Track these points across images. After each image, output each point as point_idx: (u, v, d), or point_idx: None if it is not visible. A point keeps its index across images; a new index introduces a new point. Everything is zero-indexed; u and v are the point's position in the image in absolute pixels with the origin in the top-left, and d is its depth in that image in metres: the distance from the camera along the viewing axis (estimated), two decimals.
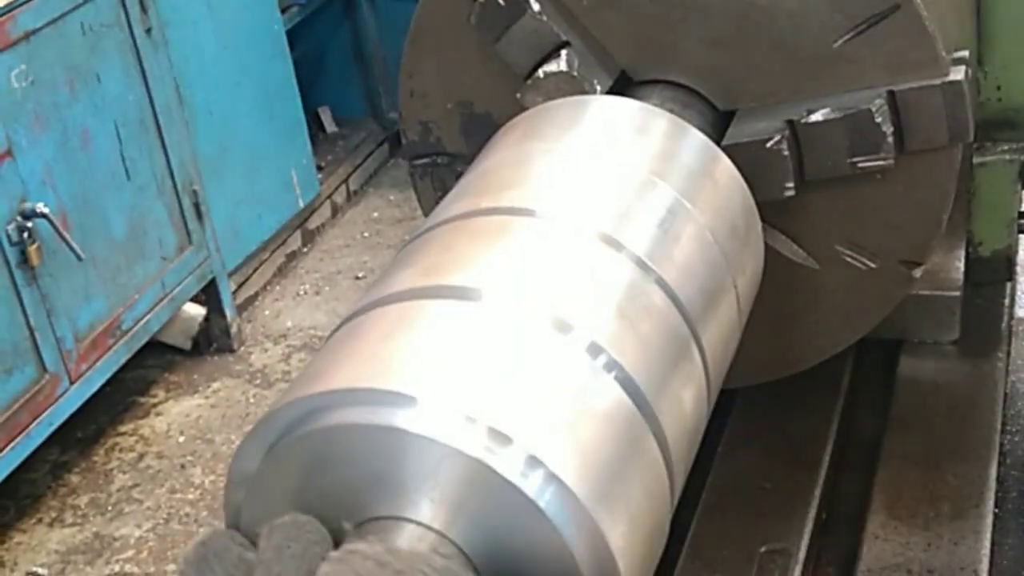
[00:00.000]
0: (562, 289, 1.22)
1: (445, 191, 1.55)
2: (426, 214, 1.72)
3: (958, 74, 1.60)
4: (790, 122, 1.65)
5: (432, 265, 1.24)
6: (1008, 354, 2.16)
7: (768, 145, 1.64)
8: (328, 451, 1.05)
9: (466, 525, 1.04)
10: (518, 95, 1.79)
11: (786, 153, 1.64)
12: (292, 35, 4.64)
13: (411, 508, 1.04)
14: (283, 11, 4.60)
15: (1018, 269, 2.36)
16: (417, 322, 1.15)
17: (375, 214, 5.16)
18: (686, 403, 1.27)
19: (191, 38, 4.08)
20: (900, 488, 1.87)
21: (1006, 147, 1.93)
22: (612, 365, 1.16)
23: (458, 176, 1.59)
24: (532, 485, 1.02)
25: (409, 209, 5.05)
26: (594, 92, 1.73)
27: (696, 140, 1.54)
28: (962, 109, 1.60)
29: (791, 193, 1.66)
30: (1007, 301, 2.22)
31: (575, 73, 1.75)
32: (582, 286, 1.24)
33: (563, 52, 1.76)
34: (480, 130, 1.76)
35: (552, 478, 1.03)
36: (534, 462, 1.03)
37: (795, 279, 1.74)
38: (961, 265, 2.04)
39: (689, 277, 1.35)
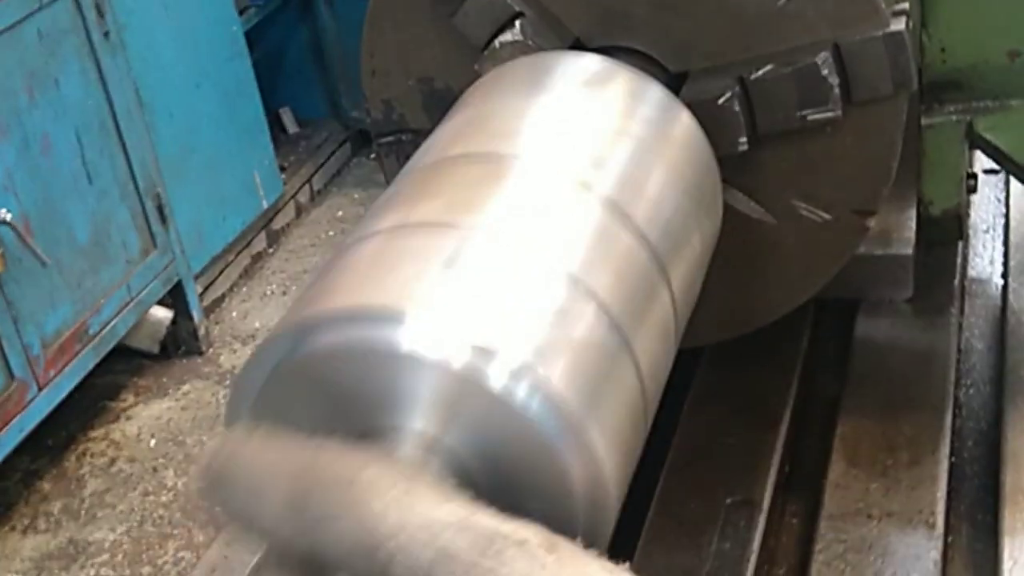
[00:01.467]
0: (539, 226, 1.26)
1: None
2: None
3: (899, 25, 1.64)
4: (740, 79, 1.69)
5: (411, 206, 1.28)
6: (961, 311, 2.21)
7: (720, 102, 1.69)
8: (324, 370, 1.09)
9: (458, 436, 1.08)
10: (476, 66, 1.82)
11: (737, 109, 1.69)
12: (251, 36, 4.65)
13: (406, 419, 1.08)
14: (241, 12, 4.61)
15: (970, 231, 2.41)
16: (402, 251, 1.19)
17: (340, 213, 5.17)
18: (656, 336, 1.31)
19: (149, 41, 4.09)
20: (859, 439, 1.91)
21: (952, 108, 1.97)
22: (590, 294, 1.20)
23: None
24: (518, 396, 1.06)
25: None
26: None
27: (657, 92, 1.60)
28: (904, 58, 1.65)
29: (744, 148, 1.70)
30: (959, 260, 2.27)
31: (530, 42, 1.79)
32: (558, 223, 1.29)
33: (517, 22, 1.80)
34: (441, 105, 1.80)
35: (537, 388, 1.07)
36: (519, 374, 1.07)
37: (753, 235, 1.79)
38: (913, 225, 2.09)
39: (657, 219, 1.39)
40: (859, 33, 1.64)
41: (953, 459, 1.92)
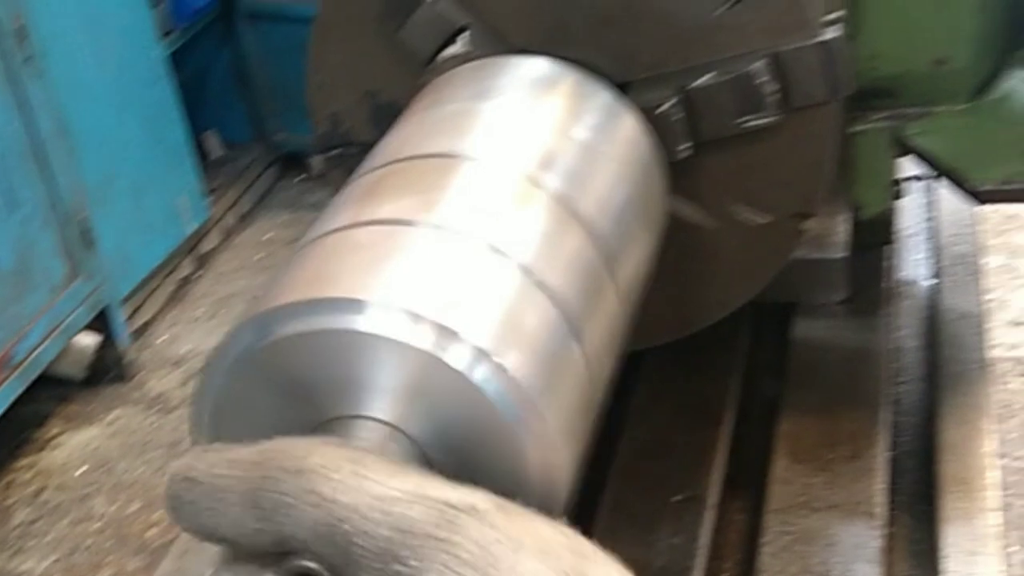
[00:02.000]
0: (491, 221, 1.29)
1: None
2: None
3: (833, 33, 1.71)
4: (679, 88, 1.75)
5: (364, 206, 1.30)
6: (893, 311, 2.28)
7: (659, 111, 1.74)
8: (286, 362, 1.10)
9: (418, 419, 1.10)
10: (420, 80, 1.85)
11: (677, 117, 1.74)
12: (176, 59, 4.63)
13: (366, 406, 1.10)
14: (166, 35, 4.60)
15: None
16: (358, 245, 1.21)
17: (267, 236, 5.17)
18: (604, 330, 1.35)
19: (71, 66, 4.07)
20: (801, 436, 1.96)
21: (881, 115, 2.03)
22: (542, 285, 1.24)
23: None
24: (480, 375, 1.09)
25: (301, 229, 5.10)
26: None
27: (603, 94, 1.65)
28: (837, 66, 1.71)
29: (685, 155, 1.75)
30: (888, 263, 2.34)
31: (474, 55, 1.82)
32: (510, 218, 1.32)
33: (461, 36, 1.83)
34: (387, 118, 1.82)
35: (499, 369, 1.10)
36: (481, 354, 1.10)
37: (693, 239, 1.83)
38: (846, 229, 2.16)
39: (605, 215, 1.44)
40: (794, 42, 1.71)
41: (892, 452, 1.98)
